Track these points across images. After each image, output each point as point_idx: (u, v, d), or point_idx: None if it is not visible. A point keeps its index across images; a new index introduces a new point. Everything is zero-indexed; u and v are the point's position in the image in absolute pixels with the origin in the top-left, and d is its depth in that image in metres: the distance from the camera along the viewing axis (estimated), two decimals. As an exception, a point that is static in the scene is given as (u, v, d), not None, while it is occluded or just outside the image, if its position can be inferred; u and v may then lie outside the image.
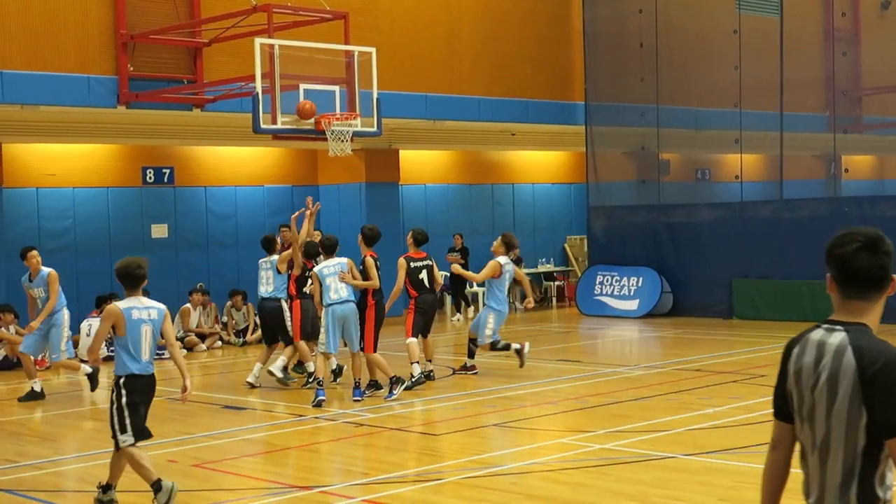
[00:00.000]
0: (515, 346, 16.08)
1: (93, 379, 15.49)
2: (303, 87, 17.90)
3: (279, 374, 15.68)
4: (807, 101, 25.30)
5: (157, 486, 8.83)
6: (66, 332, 15.38)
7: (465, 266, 21.51)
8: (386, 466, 10.45)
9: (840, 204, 22.96)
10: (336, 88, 18.23)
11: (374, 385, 14.70)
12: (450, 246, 25.75)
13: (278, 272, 15.79)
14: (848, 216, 22.38)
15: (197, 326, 21.43)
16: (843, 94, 25.16)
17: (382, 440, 11.87)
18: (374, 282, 14.50)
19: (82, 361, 16.38)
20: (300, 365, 16.22)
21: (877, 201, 22.98)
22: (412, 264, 15.45)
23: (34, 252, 15.64)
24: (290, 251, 15.55)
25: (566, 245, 30.51)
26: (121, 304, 9.01)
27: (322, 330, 14.26)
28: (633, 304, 24.88)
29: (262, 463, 11.05)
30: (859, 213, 22.30)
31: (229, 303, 22.22)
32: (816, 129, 25.58)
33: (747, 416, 12.33)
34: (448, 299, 26.16)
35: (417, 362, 15.20)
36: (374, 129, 18.70)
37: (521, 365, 16.08)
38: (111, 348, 18.87)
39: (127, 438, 8.87)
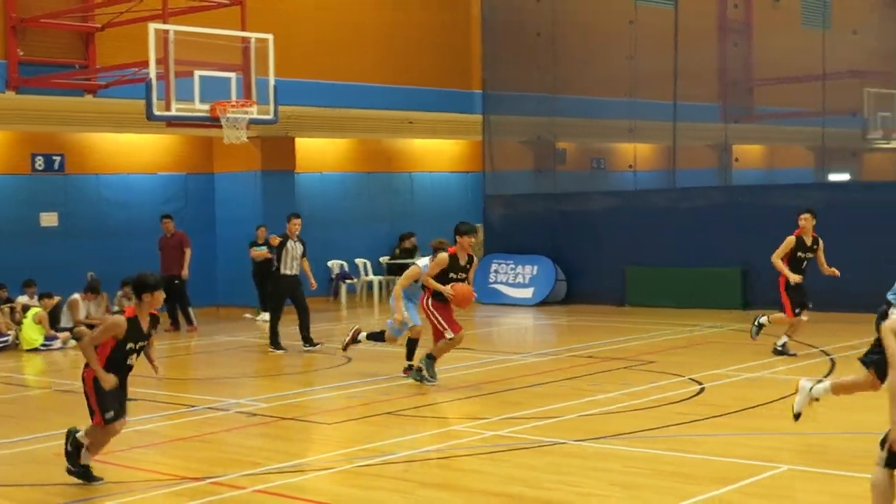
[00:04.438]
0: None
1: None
2: (198, 73, 17.73)
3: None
4: (700, 91, 25.69)
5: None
6: None
7: (271, 262, 18.79)
8: (278, 456, 10.40)
9: (732, 193, 23.32)
10: (232, 75, 18.11)
11: None
12: (252, 241, 23.16)
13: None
14: (739, 205, 22.76)
15: (86, 317, 21.05)
16: (735, 85, 25.60)
17: (275, 430, 11.81)
18: None
19: None
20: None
21: (769, 190, 23.37)
22: None
23: None
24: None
25: (464, 233, 30.52)
26: None
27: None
28: (527, 292, 25.06)
29: (153, 454, 10.91)
30: (751, 201, 22.67)
31: (120, 292, 21.86)
32: (709, 118, 25.98)
33: (637, 401, 12.51)
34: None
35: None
36: (271, 116, 18.61)
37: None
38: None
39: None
